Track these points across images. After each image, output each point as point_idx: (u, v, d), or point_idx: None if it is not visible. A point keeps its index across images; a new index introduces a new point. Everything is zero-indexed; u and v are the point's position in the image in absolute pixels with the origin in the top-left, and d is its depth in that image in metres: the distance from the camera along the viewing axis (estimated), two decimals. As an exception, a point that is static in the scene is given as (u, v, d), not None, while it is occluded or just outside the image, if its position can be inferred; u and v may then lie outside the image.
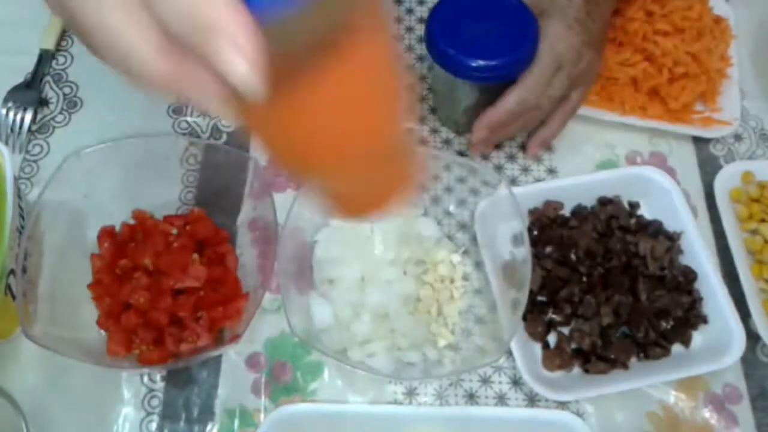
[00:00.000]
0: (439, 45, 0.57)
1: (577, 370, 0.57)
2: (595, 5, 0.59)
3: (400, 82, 0.30)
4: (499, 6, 0.58)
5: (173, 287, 0.55)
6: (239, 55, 0.21)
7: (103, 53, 0.26)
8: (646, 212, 0.64)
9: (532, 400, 0.56)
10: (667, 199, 0.62)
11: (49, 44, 0.71)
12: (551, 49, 0.57)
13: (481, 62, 0.56)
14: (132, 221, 0.60)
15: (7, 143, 0.65)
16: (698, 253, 0.60)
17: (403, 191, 0.35)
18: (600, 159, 0.68)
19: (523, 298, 0.52)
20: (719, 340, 0.57)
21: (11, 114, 0.67)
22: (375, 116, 0.29)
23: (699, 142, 0.69)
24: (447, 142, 0.68)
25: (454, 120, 0.67)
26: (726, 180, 0.64)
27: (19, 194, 0.55)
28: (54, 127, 0.67)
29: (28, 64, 0.70)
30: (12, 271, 0.52)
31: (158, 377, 0.56)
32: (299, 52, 0.24)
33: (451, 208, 0.63)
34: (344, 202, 0.35)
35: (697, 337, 0.58)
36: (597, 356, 0.56)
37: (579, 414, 0.55)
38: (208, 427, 0.55)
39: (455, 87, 0.60)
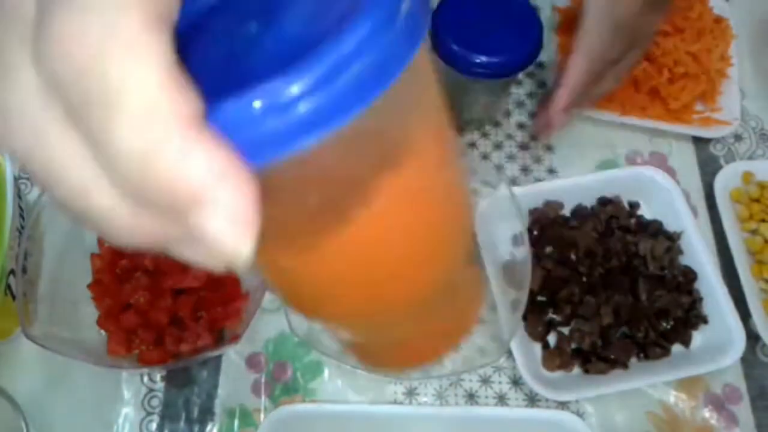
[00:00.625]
0: (444, 42, 0.57)
1: (577, 370, 0.57)
2: None
3: (464, 200, 0.23)
4: (503, 3, 0.58)
5: (173, 287, 0.55)
6: (227, 232, 0.16)
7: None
8: (646, 212, 0.64)
9: (532, 400, 0.56)
10: (667, 199, 0.62)
11: (49, 44, 0.71)
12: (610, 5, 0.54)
13: (485, 59, 0.56)
14: (132, 221, 0.60)
15: (7, 143, 0.65)
16: (698, 253, 0.60)
17: (457, 338, 0.28)
18: (600, 159, 0.68)
19: (523, 298, 0.52)
20: (719, 340, 0.57)
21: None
22: (436, 252, 0.22)
23: (699, 142, 0.69)
24: (447, 142, 0.68)
25: (456, 117, 0.67)
26: (726, 180, 0.64)
27: (19, 194, 0.55)
28: (54, 127, 0.67)
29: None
30: (12, 271, 0.52)
31: (158, 377, 0.56)
32: (332, 188, 0.18)
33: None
34: (383, 356, 0.28)
35: (697, 337, 0.58)
36: (597, 356, 0.56)
37: (579, 414, 0.55)
38: (208, 427, 0.55)
39: (459, 84, 0.60)
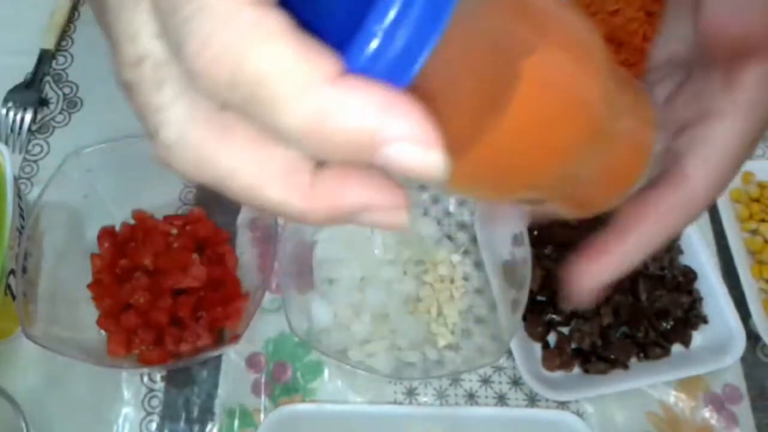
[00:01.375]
0: None
1: (577, 370, 0.57)
2: None
3: (595, 38, 0.24)
4: None
5: (173, 287, 0.55)
6: (415, 153, 0.17)
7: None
8: (646, 212, 0.64)
9: (532, 400, 0.56)
10: (667, 199, 0.62)
11: (49, 44, 0.71)
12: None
13: None
14: (132, 221, 0.60)
15: (7, 143, 0.65)
16: (698, 253, 0.60)
17: (644, 159, 0.27)
18: (600, 159, 0.68)
19: (523, 298, 0.52)
20: (719, 340, 0.57)
21: (11, 114, 0.67)
22: (587, 92, 0.23)
23: (699, 142, 0.69)
24: (447, 142, 0.68)
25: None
26: (726, 180, 0.64)
27: (19, 194, 0.55)
28: (54, 127, 0.67)
29: (28, 64, 0.70)
30: (12, 271, 0.52)
31: (158, 377, 0.56)
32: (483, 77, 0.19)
33: (451, 208, 0.63)
34: (582, 199, 0.29)
35: (697, 337, 0.58)
36: (597, 356, 0.56)
37: (579, 414, 0.55)
38: (208, 427, 0.55)
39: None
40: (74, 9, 0.74)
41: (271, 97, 0.16)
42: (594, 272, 0.32)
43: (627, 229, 0.31)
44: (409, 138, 0.17)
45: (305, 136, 0.16)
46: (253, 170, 0.18)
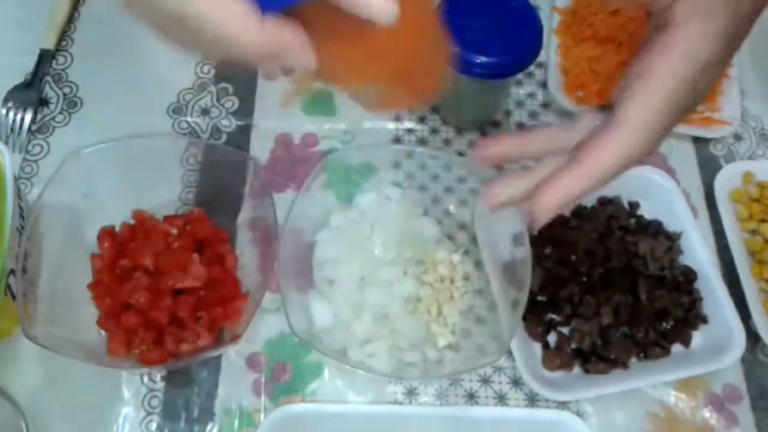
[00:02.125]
0: None
1: (577, 370, 0.57)
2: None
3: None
4: (503, 3, 0.58)
5: (173, 287, 0.55)
6: None
7: (198, 43, 0.34)
8: (646, 212, 0.64)
9: (532, 400, 0.56)
10: (667, 199, 0.62)
11: (49, 44, 0.71)
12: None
13: (485, 59, 0.56)
14: (132, 221, 0.60)
15: (7, 143, 0.65)
16: (698, 253, 0.60)
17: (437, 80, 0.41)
18: (600, 159, 0.68)
19: (523, 298, 0.52)
20: (719, 340, 0.57)
21: (11, 114, 0.67)
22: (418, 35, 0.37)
23: (699, 142, 0.69)
24: (447, 142, 0.68)
25: (456, 117, 0.67)
26: (726, 180, 0.64)
27: (19, 194, 0.55)
28: (54, 127, 0.67)
29: (28, 64, 0.70)
30: (12, 271, 0.52)
31: (158, 377, 0.56)
32: None
33: (451, 208, 0.63)
34: (394, 98, 0.41)
35: (697, 337, 0.58)
36: (597, 356, 0.56)
37: (579, 414, 0.55)
38: (208, 427, 0.55)
39: (458, 83, 0.60)
40: (74, 9, 0.74)
41: None
42: (550, 197, 0.40)
43: (579, 161, 0.39)
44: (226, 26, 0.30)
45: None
46: (220, 11, 0.30)
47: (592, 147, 0.39)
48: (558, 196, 0.39)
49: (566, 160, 0.40)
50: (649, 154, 0.40)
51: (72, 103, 0.69)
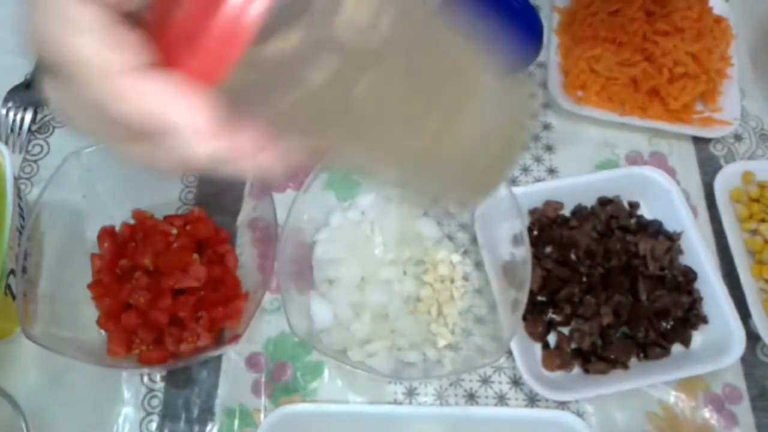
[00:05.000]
0: None
1: (577, 370, 0.57)
2: None
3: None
4: (504, 3, 0.58)
5: (173, 287, 0.55)
6: (190, 145, 0.21)
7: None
8: (646, 212, 0.64)
9: (532, 400, 0.56)
10: (667, 199, 0.62)
11: (49, 44, 0.71)
12: None
13: None
14: (132, 221, 0.60)
15: (7, 143, 0.65)
16: (698, 253, 0.60)
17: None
18: (600, 159, 0.68)
19: (523, 298, 0.52)
20: (719, 340, 0.57)
21: (11, 114, 0.67)
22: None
23: (699, 142, 0.69)
24: (447, 142, 0.68)
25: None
26: (726, 180, 0.64)
27: (19, 194, 0.55)
28: (54, 127, 0.67)
29: (28, 64, 0.70)
30: (12, 271, 0.52)
31: (158, 377, 0.56)
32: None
33: (451, 208, 0.63)
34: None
35: (697, 337, 0.58)
36: (597, 356, 0.56)
37: (579, 414, 0.55)
38: (208, 427, 0.55)
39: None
40: (74, 9, 0.74)
41: (79, 76, 0.20)
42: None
43: None
44: (188, 131, 0.20)
45: (103, 111, 0.20)
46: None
47: None
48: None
49: None
50: None
51: (72, 103, 0.69)
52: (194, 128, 0.20)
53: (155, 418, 0.55)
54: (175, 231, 0.58)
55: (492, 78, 0.27)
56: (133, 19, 0.22)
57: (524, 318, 0.58)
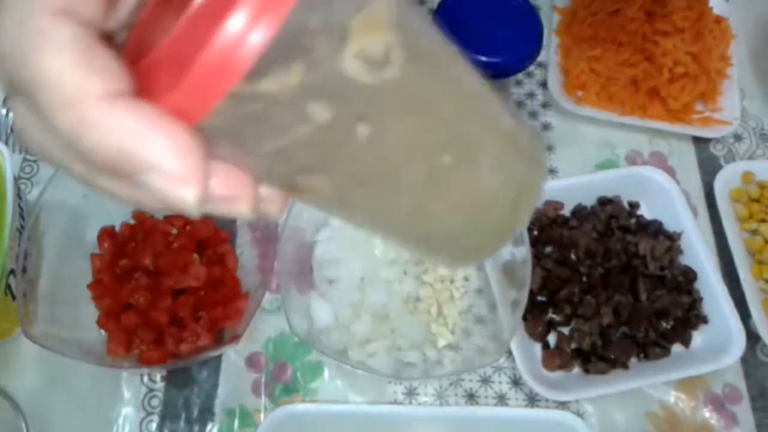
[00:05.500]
0: None
1: (577, 370, 0.57)
2: None
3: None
4: (503, 3, 0.58)
5: (173, 287, 0.55)
6: (167, 186, 0.18)
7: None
8: (646, 212, 0.64)
9: (532, 400, 0.56)
10: (667, 199, 0.62)
11: (49, 44, 0.71)
12: None
13: (485, 59, 0.56)
14: (132, 221, 0.60)
15: (7, 143, 0.65)
16: (698, 253, 0.60)
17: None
18: (600, 159, 0.68)
19: (523, 298, 0.52)
20: (719, 340, 0.57)
21: (11, 114, 0.67)
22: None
23: (699, 142, 0.69)
24: (447, 142, 0.68)
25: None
26: (726, 180, 0.64)
27: (19, 194, 0.55)
28: (54, 127, 0.67)
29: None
30: (12, 271, 0.52)
31: (158, 377, 0.56)
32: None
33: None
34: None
35: (697, 337, 0.58)
36: (597, 356, 0.56)
37: (579, 414, 0.55)
38: (208, 427, 0.55)
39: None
40: (74, 9, 0.74)
41: (43, 101, 0.17)
42: None
43: None
44: (165, 173, 0.17)
45: (72, 144, 0.17)
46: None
47: None
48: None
49: None
50: None
51: (72, 103, 0.69)
52: (172, 170, 0.17)
53: (155, 418, 0.55)
54: (175, 231, 0.58)
55: (514, 126, 0.24)
56: (112, 41, 0.20)
57: (524, 318, 0.58)
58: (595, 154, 0.68)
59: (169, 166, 0.17)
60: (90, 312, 0.56)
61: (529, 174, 0.25)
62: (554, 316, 0.58)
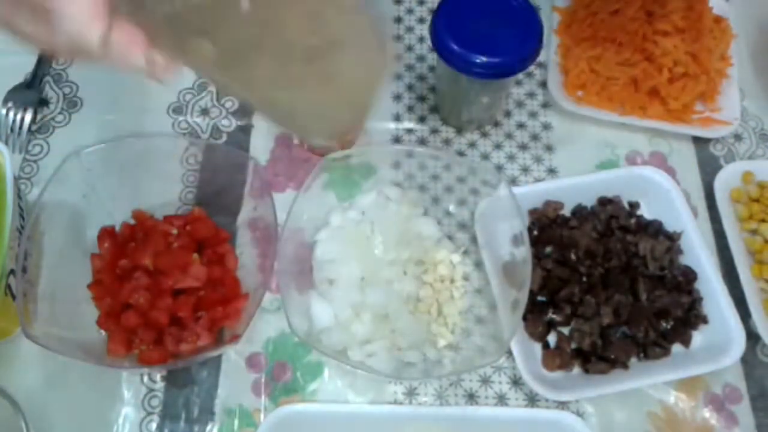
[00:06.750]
0: (444, 40, 0.57)
1: (577, 370, 0.57)
2: None
3: None
4: (504, 3, 0.58)
5: (173, 287, 0.55)
6: (74, 25, 0.25)
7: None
8: (646, 212, 0.64)
9: (532, 400, 0.56)
10: (667, 199, 0.62)
11: (49, 44, 0.71)
12: None
13: (485, 59, 0.56)
14: (132, 221, 0.60)
15: (7, 143, 0.65)
16: (698, 253, 0.60)
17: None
18: (600, 159, 0.68)
19: (523, 298, 0.52)
20: (719, 340, 0.57)
21: (11, 114, 0.67)
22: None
23: (699, 142, 0.69)
24: (447, 141, 0.68)
25: (456, 117, 0.67)
26: (726, 180, 0.64)
27: (19, 194, 0.55)
28: (54, 127, 0.67)
29: (28, 64, 0.70)
30: (12, 271, 0.52)
31: (158, 377, 0.56)
32: None
33: (451, 208, 0.63)
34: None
35: (697, 337, 0.58)
36: (597, 356, 0.56)
37: (579, 414, 0.55)
38: (208, 427, 0.55)
39: (459, 83, 0.61)
40: (74, 9, 0.74)
41: None
42: None
43: None
44: (72, 10, 0.24)
45: None
46: None
47: None
48: None
49: None
50: None
51: (72, 103, 0.69)
52: (81, 10, 0.24)
53: (155, 418, 0.55)
54: (175, 231, 0.58)
55: (367, 16, 0.31)
56: None
57: (524, 318, 0.58)
58: (595, 154, 0.68)
59: (79, 6, 0.24)
60: (90, 312, 0.56)
61: (377, 58, 0.32)
62: (554, 316, 0.58)
